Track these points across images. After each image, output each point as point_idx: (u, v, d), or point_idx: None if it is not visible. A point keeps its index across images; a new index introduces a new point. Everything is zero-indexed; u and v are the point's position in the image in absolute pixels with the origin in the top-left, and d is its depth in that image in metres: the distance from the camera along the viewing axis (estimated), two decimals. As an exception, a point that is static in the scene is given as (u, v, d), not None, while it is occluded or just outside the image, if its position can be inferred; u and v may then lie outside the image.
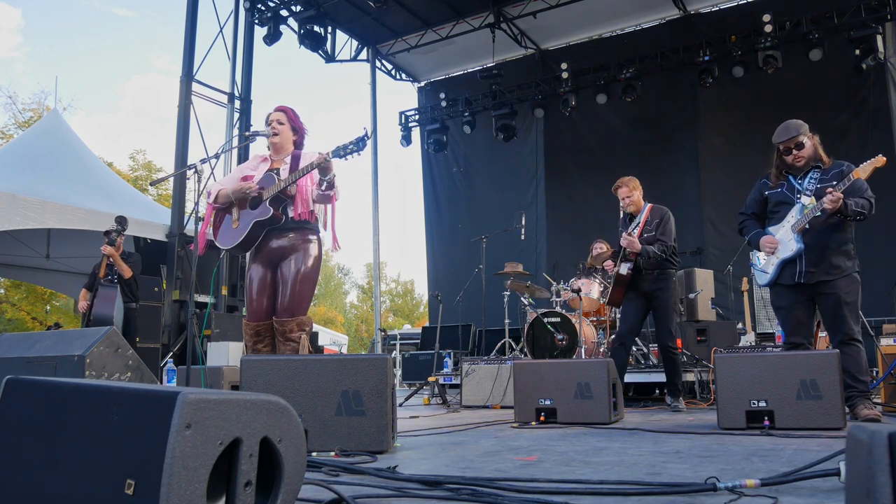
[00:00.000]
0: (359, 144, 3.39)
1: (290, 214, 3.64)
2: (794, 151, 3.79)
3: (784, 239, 3.80)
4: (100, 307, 6.25)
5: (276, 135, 3.74)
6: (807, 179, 3.80)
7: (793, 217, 3.77)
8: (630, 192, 5.04)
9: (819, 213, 3.65)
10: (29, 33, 48.08)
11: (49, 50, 48.48)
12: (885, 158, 3.58)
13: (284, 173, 3.67)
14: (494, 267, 7.70)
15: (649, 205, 5.06)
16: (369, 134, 3.43)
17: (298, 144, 3.87)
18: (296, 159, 3.74)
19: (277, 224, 3.61)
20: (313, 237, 3.72)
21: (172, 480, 1.17)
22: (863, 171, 3.57)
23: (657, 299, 4.89)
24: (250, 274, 3.72)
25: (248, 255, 3.81)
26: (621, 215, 5.16)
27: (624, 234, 4.92)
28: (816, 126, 3.99)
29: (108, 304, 6.32)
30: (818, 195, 3.67)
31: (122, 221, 6.37)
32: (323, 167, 3.45)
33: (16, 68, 44.06)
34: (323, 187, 3.55)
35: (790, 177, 3.87)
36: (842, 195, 3.53)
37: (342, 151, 3.43)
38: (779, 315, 3.98)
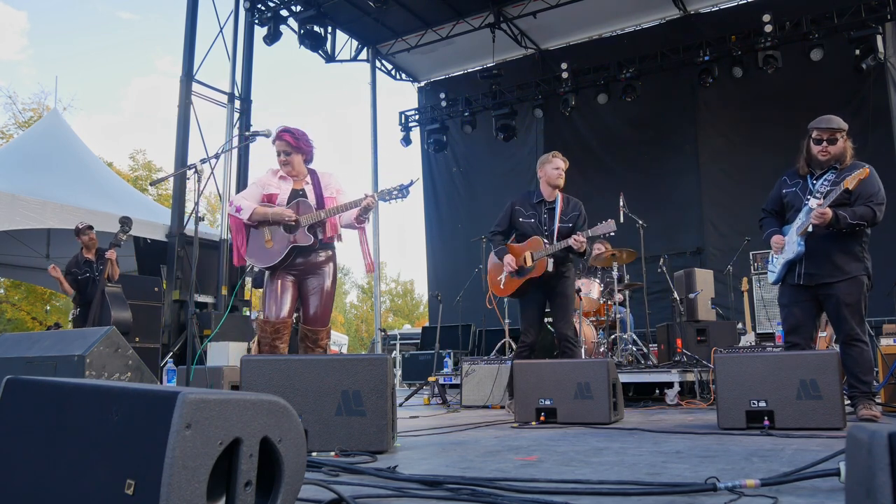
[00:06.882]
0: (403, 192, 3.74)
1: (320, 237, 3.88)
2: (825, 144, 3.73)
3: (791, 239, 3.80)
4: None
5: (286, 164, 3.89)
6: (821, 181, 3.76)
7: (800, 219, 3.77)
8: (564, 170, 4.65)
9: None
10: (34, 35, 48.11)
11: (53, 52, 48.48)
12: (868, 170, 3.58)
13: (310, 194, 3.91)
14: (494, 267, 7.68)
15: (561, 194, 4.68)
16: (414, 181, 3.76)
17: (308, 161, 4.02)
18: (315, 177, 3.96)
19: (313, 248, 3.86)
20: (334, 255, 4.01)
21: (172, 480, 1.17)
22: (850, 182, 3.56)
23: (560, 285, 4.52)
24: (274, 281, 3.87)
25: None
26: (533, 199, 4.69)
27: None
28: (816, 126, 3.97)
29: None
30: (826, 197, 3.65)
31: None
32: (368, 208, 3.75)
33: (21, 71, 44.01)
34: (362, 222, 3.88)
35: (808, 175, 3.84)
36: (829, 210, 3.52)
37: (387, 196, 3.77)
38: (781, 313, 3.99)
